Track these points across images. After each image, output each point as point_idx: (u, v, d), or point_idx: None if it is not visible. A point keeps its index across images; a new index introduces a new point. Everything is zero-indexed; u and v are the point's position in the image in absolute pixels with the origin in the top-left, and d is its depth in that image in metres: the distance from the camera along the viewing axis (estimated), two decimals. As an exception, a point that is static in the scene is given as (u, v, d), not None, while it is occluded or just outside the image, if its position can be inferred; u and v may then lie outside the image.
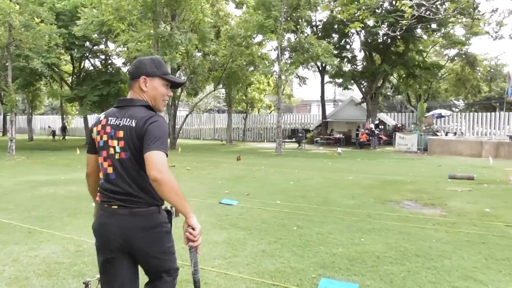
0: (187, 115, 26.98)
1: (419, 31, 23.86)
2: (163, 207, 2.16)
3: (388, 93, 33.13)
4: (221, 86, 26.82)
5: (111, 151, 2.07)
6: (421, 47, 27.19)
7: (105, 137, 2.09)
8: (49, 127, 40.09)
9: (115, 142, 2.05)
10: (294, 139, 28.14)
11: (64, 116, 41.04)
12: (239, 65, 22.19)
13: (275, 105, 41.18)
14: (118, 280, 2.11)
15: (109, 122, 2.10)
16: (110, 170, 2.07)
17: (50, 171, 11.98)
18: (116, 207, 2.05)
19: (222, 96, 37.76)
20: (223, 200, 7.23)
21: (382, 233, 5.18)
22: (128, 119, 2.05)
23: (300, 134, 26.14)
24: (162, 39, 11.71)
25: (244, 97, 32.37)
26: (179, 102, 45.23)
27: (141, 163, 2.00)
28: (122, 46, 20.88)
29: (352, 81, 24.70)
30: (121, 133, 2.04)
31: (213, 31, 20.84)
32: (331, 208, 6.78)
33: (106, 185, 2.09)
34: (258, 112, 40.09)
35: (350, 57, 26.68)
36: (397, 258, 4.18)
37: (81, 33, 19.30)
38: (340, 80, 26.29)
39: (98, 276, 2.24)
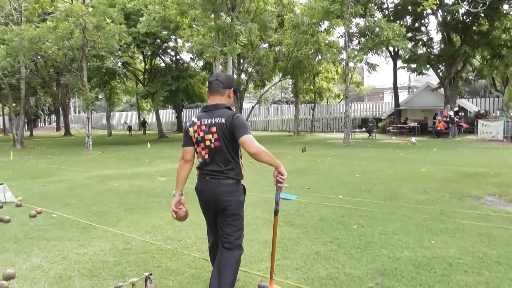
0: (253, 107, 26.96)
1: (506, 7, 21.37)
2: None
3: (470, 77, 30.33)
4: (287, 76, 26.39)
5: (207, 142, 2.82)
6: (508, 25, 24.39)
7: (201, 134, 2.84)
8: (125, 123, 42.49)
9: (210, 136, 2.81)
10: (364, 129, 26.95)
11: (140, 112, 43.37)
12: (305, 54, 21.53)
13: (344, 94, 39.94)
14: (210, 222, 3.08)
15: (203, 123, 2.85)
16: (206, 156, 2.86)
17: (120, 165, 12.47)
18: (209, 178, 2.88)
19: (290, 87, 37.26)
20: (281, 194, 6.85)
21: (457, 234, 4.50)
22: (218, 118, 2.81)
23: (371, 124, 24.91)
24: (223, 31, 11.58)
25: (311, 87, 31.60)
26: (248, 94, 45.90)
27: (229, 149, 2.82)
28: (188, 41, 21.25)
29: (427, 66, 22.85)
30: (214, 129, 2.80)
31: (276, 20, 20.42)
32: (399, 204, 6.14)
33: (203, 165, 2.90)
34: (327, 102, 39.05)
35: (425, 40, 24.72)
36: (474, 266, 3.54)
37: (144, 29, 19.96)
38: (414, 65, 24.50)
39: (133, 279, 2.98)
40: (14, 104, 34.42)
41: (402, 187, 7.51)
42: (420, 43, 24.95)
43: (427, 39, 24.84)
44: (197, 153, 2.95)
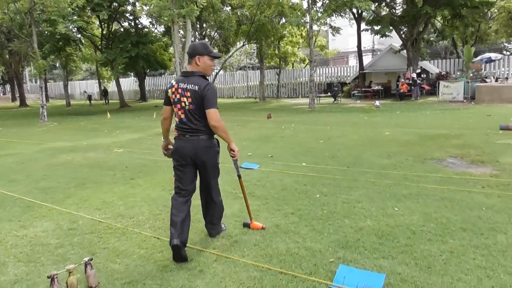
0: (216, 73, 26.25)
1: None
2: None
3: (431, 39, 30.63)
4: (251, 41, 25.68)
5: (183, 104, 3.23)
6: (468, -16, 24.48)
7: (178, 96, 3.24)
8: (84, 92, 40.68)
9: (185, 99, 3.22)
10: (329, 94, 26.92)
11: (101, 80, 41.50)
12: (268, 17, 20.88)
13: (309, 59, 39.63)
14: (185, 177, 3.36)
15: (180, 86, 3.24)
16: (182, 116, 3.25)
17: (76, 136, 11.83)
18: (188, 136, 3.26)
19: (254, 52, 36.52)
20: (243, 164, 6.63)
21: (420, 199, 4.41)
22: (192, 85, 3.21)
23: (336, 88, 24.90)
24: (179, -9, 10.94)
25: (276, 52, 31.04)
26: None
27: (201, 112, 3.20)
28: (146, 4, 20.08)
29: (390, 27, 22.77)
30: (188, 93, 3.21)
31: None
32: (362, 170, 6.02)
33: (180, 124, 3.28)
34: (292, 67, 38.66)
35: (388, 1, 24.50)
36: (438, 234, 3.44)
37: None
38: (378, 28, 24.37)
39: (70, 266, 2.71)
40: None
41: (365, 152, 7.43)
42: (383, 4, 24.72)
43: (390, 0, 24.63)
44: (175, 113, 3.32)
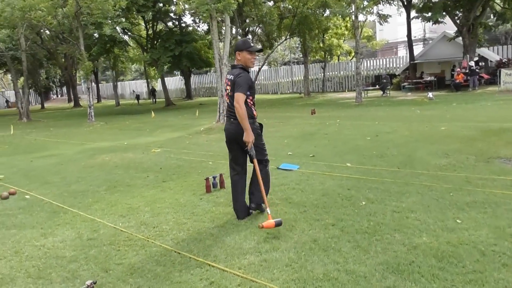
0: (259, 69, 25.81)
1: None
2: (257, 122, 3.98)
3: (490, 23, 28.35)
4: (294, 35, 24.99)
5: (227, 91, 3.84)
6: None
7: (225, 85, 3.90)
8: (133, 91, 41.72)
9: (228, 87, 3.82)
10: (377, 86, 25.69)
11: (149, 80, 42.44)
12: (311, 9, 20.13)
13: (355, 51, 38.23)
14: (236, 155, 3.95)
15: (227, 77, 3.91)
16: (228, 101, 3.85)
17: (119, 136, 11.88)
18: (232, 119, 3.80)
19: (299, 46, 35.73)
20: (282, 165, 6.14)
21: (488, 209, 3.72)
22: (231, 75, 3.80)
23: (384, 80, 23.64)
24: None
25: (321, 45, 30.10)
26: (257, 57, 44.45)
27: None
28: (186, 3, 20.00)
29: (443, 13, 21.20)
30: (229, 82, 3.80)
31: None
32: (415, 171, 5.34)
33: (228, 109, 3.91)
34: (338, 60, 37.47)
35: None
36: (515, 255, 2.78)
37: None
38: (429, 14, 22.81)
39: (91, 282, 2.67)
40: (22, 78, 34.07)
41: (419, 150, 6.68)
42: (436, -12, 23.07)
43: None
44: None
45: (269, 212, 3.60)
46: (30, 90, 51.05)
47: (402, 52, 47.37)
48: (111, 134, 12.72)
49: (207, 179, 4.90)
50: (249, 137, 3.62)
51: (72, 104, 38.76)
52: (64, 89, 58.94)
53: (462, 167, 5.39)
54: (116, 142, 10.37)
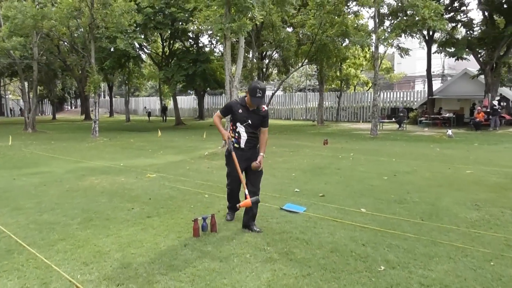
0: (273, 94, 25.27)
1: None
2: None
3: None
4: (312, 62, 24.49)
5: None
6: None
7: None
8: (145, 107, 41.51)
9: None
10: (394, 119, 24.91)
11: (163, 97, 42.28)
12: (330, 37, 19.64)
13: (372, 82, 37.66)
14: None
15: None
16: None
17: (117, 155, 11.23)
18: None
19: (315, 73, 35.32)
20: (286, 205, 5.36)
21: (545, 293, 2.88)
22: None
23: (401, 114, 22.89)
24: (233, 4, 10.05)
25: (338, 74, 29.60)
26: (272, 82, 44.07)
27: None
28: (204, 22, 19.74)
29: (467, 50, 20.55)
30: None
31: (298, -1, 18.60)
32: (443, 225, 4.52)
33: None
34: (354, 90, 36.90)
35: (465, 21, 22.31)
36: None
37: (145, 2, 18.73)
38: (451, 50, 22.16)
39: None
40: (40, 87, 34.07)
41: (444, 197, 5.86)
42: (459, 25, 22.54)
43: (467, 20, 22.40)
44: None
45: (247, 193, 4.08)
46: (45, 100, 51.75)
47: (419, 86, 46.76)
48: (110, 152, 12.09)
49: (195, 220, 4.14)
50: (222, 134, 4.26)
51: (83, 116, 38.64)
52: (79, 101, 59.42)
53: (498, 225, 4.55)
54: (112, 162, 9.70)
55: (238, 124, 4.24)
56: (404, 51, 20.08)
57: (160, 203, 5.57)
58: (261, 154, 4.24)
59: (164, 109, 35.65)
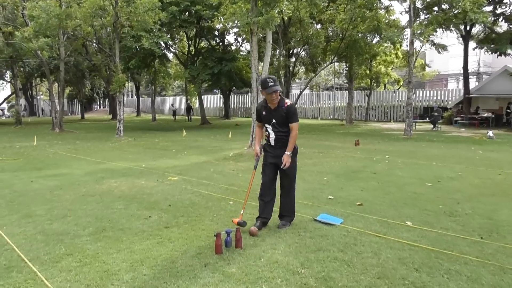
0: (300, 92, 24.59)
1: None
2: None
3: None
4: (341, 59, 23.63)
5: None
6: None
7: None
8: (172, 105, 41.44)
9: None
10: (427, 119, 23.77)
11: (188, 96, 42.22)
12: (361, 32, 18.77)
13: (404, 80, 36.26)
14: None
15: None
16: None
17: (140, 156, 10.87)
18: None
19: (344, 72, 34.35)
20: (320, 215, 4.76)
21: None
22: None
23: (436, 113, 21.73)
24: (260, -2, 9.54)
25: (368, 72, 28.58)
26: (299, 80, 43.30)
27: None
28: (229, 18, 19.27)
29: (510, 45, 19.26)
30: None
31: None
32: (508, 245, 3.81)
33: None
34: (384, 88, 35.68)
35: (507, 14, 20.93)
36: None
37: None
38: (491, 46, 20.87)
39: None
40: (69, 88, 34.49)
41: (501, 210, 5.11)
42: (501, 18, 21.17)
43: (510, 13, 21.04)
44: None
45: (242, 212, 4.29)
46: (75, 100, 52.71)
47: (452, 85, 44.94)
48: (133, 152, 11.76)
49: (218, 235, 3.59)
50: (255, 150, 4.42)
51: (111, 116, 38.97)
52: (107, 101, 60.26)
53: None
54: (134, 163, 9.32)
55: (266, 125, 4.28)
56: (441, 47, 19.01)
57: (180, 211, 5.07)
58: (287, 152, 4.12)
59: (188, 109, 35.40)
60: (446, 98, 29.40)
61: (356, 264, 3.40)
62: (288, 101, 4.13)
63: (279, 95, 4.12)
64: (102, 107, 65.24)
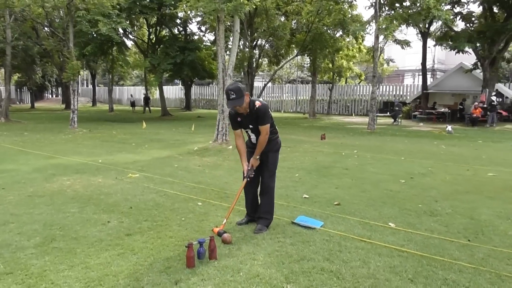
0: (264, 85, 24.30)
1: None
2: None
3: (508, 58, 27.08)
4: (305, 52, 23.43)
5: None
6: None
7: None
8: (131, 95, 39.89)
9: None
10: (388, 113, 24.19)
11: (148, 86, 40.73)
12: (327, 25, 18.62)
13: (366, 74, 36.81)
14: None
15: None
16: None
17: (96, 150, 10.10)
18: None
19: (307, 65, 34.35)
20: (298, 218, 4.40)
21: None
22: None
23: (397, 108, 22.10)
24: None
25: (330, 65, 28.67)
26: (261, 73, 42.94)
27: None
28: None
29: (467, 43, 19.79)
30: None
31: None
32: (497, 248, 3.62)
33: None
34: (346, 82, 36.08)
35: (464, 14, 21.55)
36: None
37: None
38: (450, 43, 21.40)
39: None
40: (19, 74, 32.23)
41: (480, 208, 4.97)
42: (459, 17, 21.77)
43: (467, 12, 21.65)
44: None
45: (224, 222, 3.86)
46: (24, 88, 49.58)
47: (409, 80, 46.34)
48: (89, 145, 10.95)
49: (189, 246, 3.13)
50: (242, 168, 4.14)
51: (64, 105, 36.96)
52: (60, 89, 57.16)
53: None
54: (89, 158, 8.60)
55: (245, 130, 4.07)
56: (405, 43, 19.25)
57: (143, 214, 4.55)
58: (255, 156, 3.97)
59: (146, 100, 34.02)
60: (404, 93, 30.10)
61: (346, 275, 3.05)
62: (258, 103, 3.85)
63: (249, 97, 3.86)
64: (54, 96, 61.93)
